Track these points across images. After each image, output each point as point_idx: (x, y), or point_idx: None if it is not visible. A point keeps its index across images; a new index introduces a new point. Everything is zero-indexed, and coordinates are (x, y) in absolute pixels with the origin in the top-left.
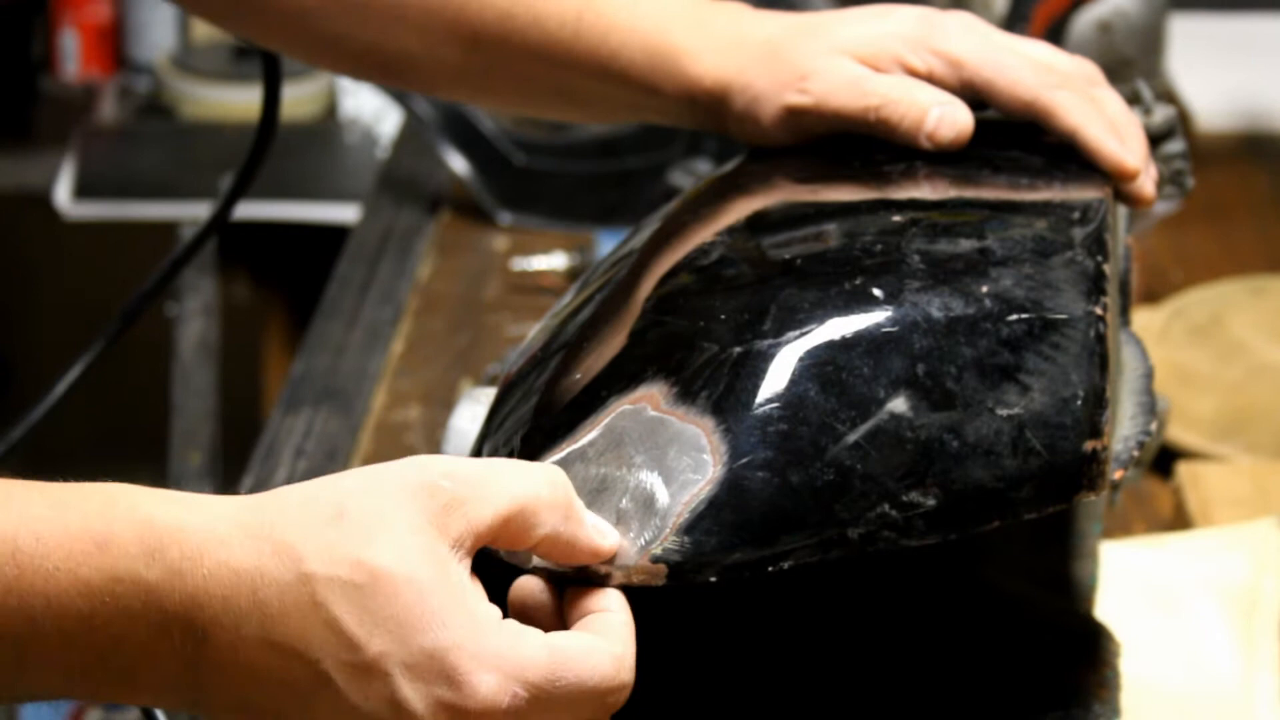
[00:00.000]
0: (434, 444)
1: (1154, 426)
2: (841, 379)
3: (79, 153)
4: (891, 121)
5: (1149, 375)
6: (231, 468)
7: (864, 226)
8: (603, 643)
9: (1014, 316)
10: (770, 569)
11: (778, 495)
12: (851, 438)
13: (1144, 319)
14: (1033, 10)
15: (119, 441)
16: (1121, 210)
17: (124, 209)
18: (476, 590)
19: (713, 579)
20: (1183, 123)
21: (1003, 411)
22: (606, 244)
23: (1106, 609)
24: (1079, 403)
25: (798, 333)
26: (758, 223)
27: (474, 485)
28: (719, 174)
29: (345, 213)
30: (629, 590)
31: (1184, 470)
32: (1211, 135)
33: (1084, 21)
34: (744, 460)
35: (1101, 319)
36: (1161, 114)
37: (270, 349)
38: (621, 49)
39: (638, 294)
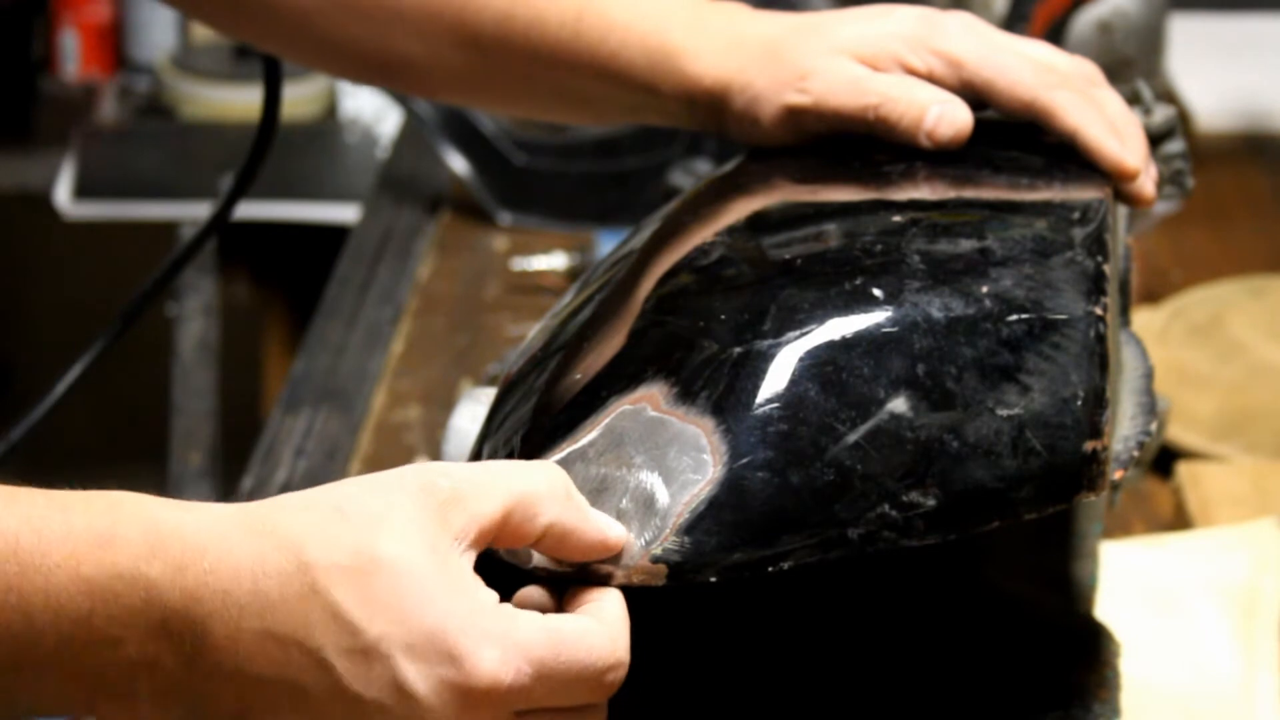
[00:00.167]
0: (434, 444)
1: (1154, 426)
2: (841, 379)
3: (79, 153)
4: (891, 120)
5: (1149, 375)
6: (231, 468)
7: (864, 227)
8: (597, 624)
9: (1014, 317)
10: (770, 569)
11: (778, 495)
12: (851, 438)
13: (1144, 319)
14: (1033, 10)
15: (119, 441)
16: (1121, 210)
17: (124, 209)
18: (477, 581)
19: (713, 579)
20: (1183, 123)
21: (1003, 412)
22: (606, 244)
23: (1106, 609)
24: (1079, 403)
25: (798, 333)
26: (758, 223)
27: (472, 483)
28: (719, 174)
29: (345, 213)
30: (629, 590)
31: (1184, 470)
32: (1211, 135)
33: (1084, 21)
34: (744, 460)
35: (1101, 319)
36: (1161, 114)
37: (270, 349)
38: (621, 49)
39: (638, 294)
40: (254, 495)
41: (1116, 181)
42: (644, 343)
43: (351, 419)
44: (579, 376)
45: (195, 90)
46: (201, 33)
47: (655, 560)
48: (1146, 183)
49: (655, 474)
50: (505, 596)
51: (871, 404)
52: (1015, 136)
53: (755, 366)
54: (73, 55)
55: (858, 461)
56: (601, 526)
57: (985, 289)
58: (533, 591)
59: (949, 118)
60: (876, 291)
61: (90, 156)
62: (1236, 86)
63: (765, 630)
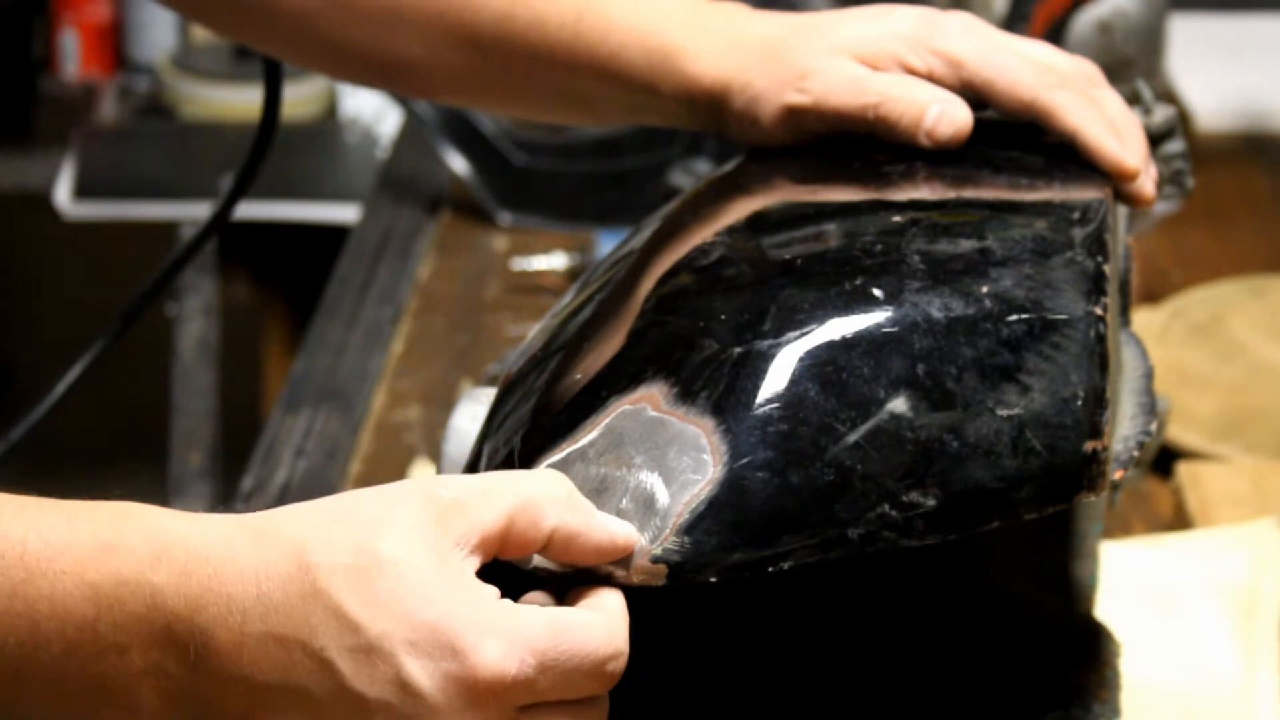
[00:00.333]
0: (434, 444)
1: (1154, 426)
2: (841, 379)
3: (79, 153)
4: (890, 119)
5: (1149, 375)
6: (231, 468)
7: (864, 227)
8: (597, 614)
9: (1014, 317)
10: (770, 569)
11: (778, 495)
12: (851, 438)
13: (1144, 319)
14: (1033, 10)
15: (119, 441)
16: (1121, 210)
17: (124, 209)
18: (478, 580)
19: (713, 579)
20: (1183, 123)
21: (1003, 412)
22: (606, 244)
23: (1106, 609)
24: (1079, 403)
25: (798, 333)
26: (758, 223)
27: (474, 492)
28: (719, 174)
29: (345, 213)
30: (629, 590)
31: (1184, 470)
32: (1211, 135)
33: (1084, 21)
34: (744, 460)
35: (1101, 319)
36: (1161, 114)
37: (270, 349)
38: (621, 50)
39: (637, 294)
40: (254, 495)
41: (1116, 181)
42: (644, 343)
43: (351, 419)
44: (579, 376)
45: (195, 90)
46: (201, 33)
47: (655, 560)
48: (1146, 183)
49: (655, 474)
50: (509, 597)
51: (871, 404)
52: (1015, 136)
53: (755, 366)
54: (73, 55)
55: (858, 461)
56: (609, 528)
57: (985, 289)
58: (537, 595)
59: (949, 117)
60: (876, 291)
61: (90, 156)
62: (1236, 86)
63: (765, 630)
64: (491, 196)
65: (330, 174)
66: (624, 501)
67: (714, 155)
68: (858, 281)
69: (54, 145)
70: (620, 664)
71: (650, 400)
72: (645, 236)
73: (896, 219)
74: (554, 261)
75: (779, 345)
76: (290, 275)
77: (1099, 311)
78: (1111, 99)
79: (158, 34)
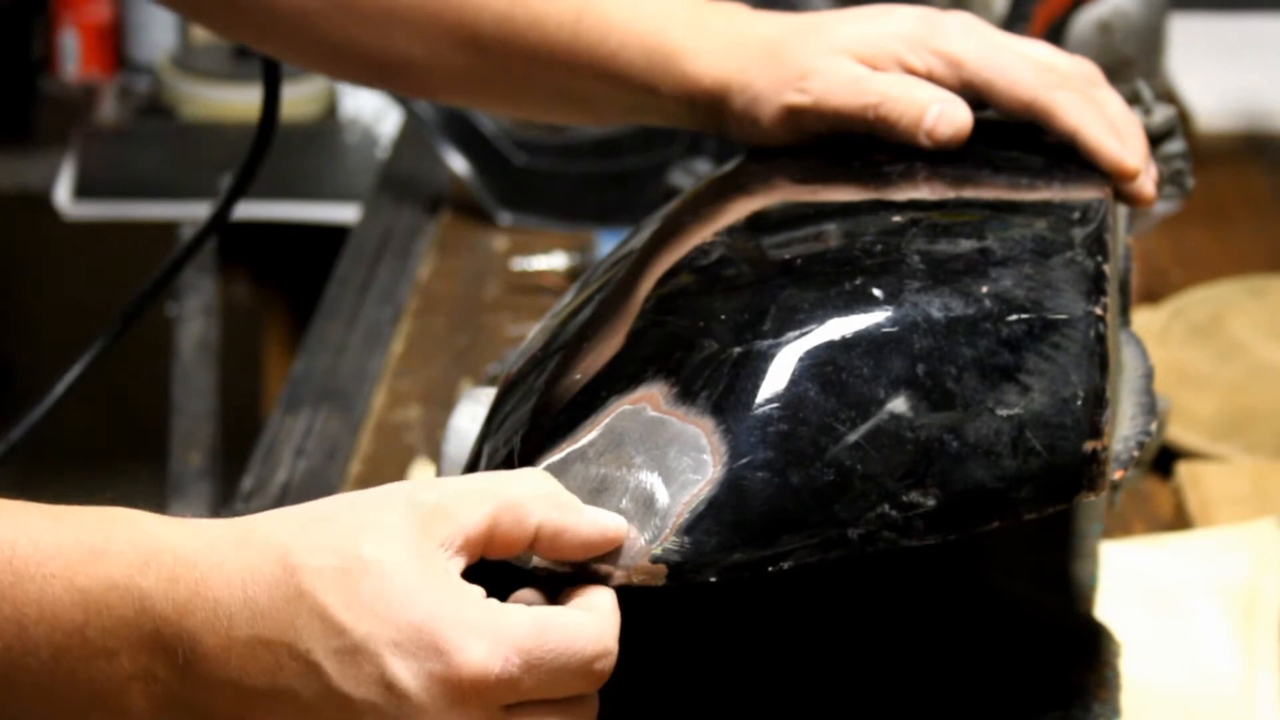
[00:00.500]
0: (434, 444)
1: (1154, 426)
2: (841, 379)
3: (79, 153)
4: (890, 119)
5: (1149, 375)
6: (231, 468)
7: (864, 227)
8: (584, 613)
9: (1014, 317)
10: (770, 569)
11: (778, 495)
12: (851, 438)
13: (1144, 319)
14: (1033, 10)
15: (119, 441)
16: (1121, 210)
17: (124, 209)
18: (463, 581)
19: (713, 579)
20: (1183, 123)
21: (1003, 412)
22: (606, 244)
23: (1106, 609)
24: (1079, 403)
25: (798, 333)
26: (758, 223)
27: (456, 494)
28: (719, 174)
29: (345, 213)
30: (629, 590)
31: (1184, 470)
32: (1211, 135)
33: (1084, 21)
34: (744, 460)
35: (1101, 319)
36: (1161, 114)
37: (270, 349)
38: (620, 50)
39: (637, 294)
40: (254, 495)
41: (1116, 181)
42: (644, 343)
43: (351, 419)
44: (579, 376)
45: (195, 90)
46: (201, 33)
47: (655, 560)
48: (1146, 183)
49: (655, 474)
50: (502, 600)
51: (871, 404)
52: (1015, 136)
53: (755, 366)
54: (73, 55)
55: (858, 461)
56: (598, 521)
57: (985, 289)
58: (526, 593)
59: (949, 117)
60: (876, 291)
61: (90, 156)
62: (1236, 86)
63: (765, 630)
64: (491, 196)
65: (330, 174)
66: (624, 501)
67: (714, 155)
68: (858, 281)
69: (54, 145)
70: (608, 663)
71: (650, 400)
72: (645, 236)
73: (896, 219)
74: (554, 261)
75: (779, 345)
76: (290, 275)
77: (1099, 311)
78: (1111, 99)
79: (158, 34)
